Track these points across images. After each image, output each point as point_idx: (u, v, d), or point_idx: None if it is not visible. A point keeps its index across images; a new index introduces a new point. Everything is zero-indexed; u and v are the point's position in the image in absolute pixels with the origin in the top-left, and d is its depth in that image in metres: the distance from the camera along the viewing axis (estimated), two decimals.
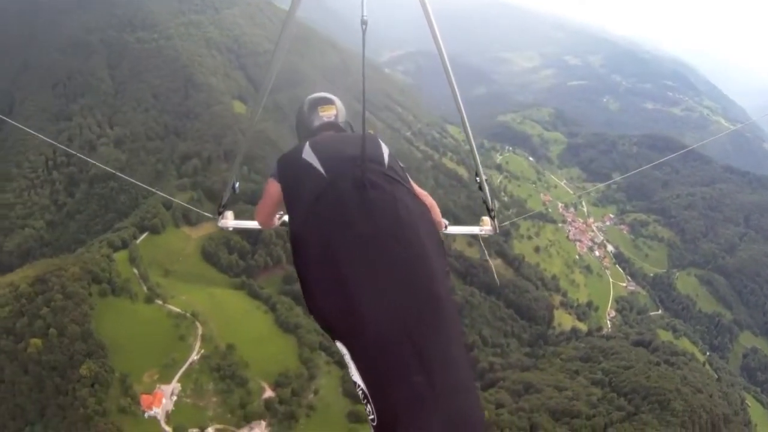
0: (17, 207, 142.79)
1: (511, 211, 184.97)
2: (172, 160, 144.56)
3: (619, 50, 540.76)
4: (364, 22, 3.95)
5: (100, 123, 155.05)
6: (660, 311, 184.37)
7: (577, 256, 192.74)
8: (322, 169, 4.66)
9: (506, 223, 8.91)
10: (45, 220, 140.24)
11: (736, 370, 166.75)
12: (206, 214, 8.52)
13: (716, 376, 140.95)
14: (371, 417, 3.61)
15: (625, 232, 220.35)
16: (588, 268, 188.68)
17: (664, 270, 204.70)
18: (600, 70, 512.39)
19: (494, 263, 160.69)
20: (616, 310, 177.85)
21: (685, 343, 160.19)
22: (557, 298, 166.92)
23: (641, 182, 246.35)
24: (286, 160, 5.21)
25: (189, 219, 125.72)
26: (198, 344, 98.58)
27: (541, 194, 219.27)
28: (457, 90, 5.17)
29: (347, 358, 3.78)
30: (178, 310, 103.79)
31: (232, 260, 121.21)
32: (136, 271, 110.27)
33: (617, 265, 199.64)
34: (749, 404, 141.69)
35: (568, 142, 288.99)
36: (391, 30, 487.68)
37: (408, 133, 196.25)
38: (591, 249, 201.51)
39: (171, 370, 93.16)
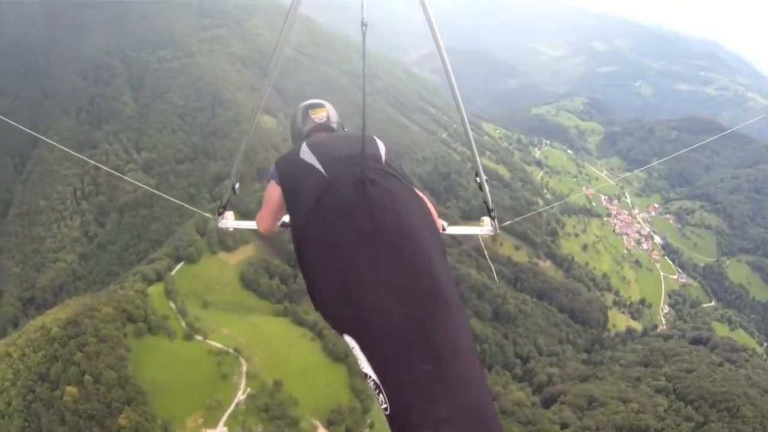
0: (47, 241, 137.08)
1: (554, 208, 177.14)
2: (204, 183, 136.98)
3: (645, 32, 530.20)
4: (364, 24, 3.99)
5: (126, 148, 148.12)
6: (713, 302, 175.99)
7: (625, 251, 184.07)
8: (322, 169, 4.62)
9: (506, 223, 8.04)
10: (77, 253, 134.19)
11: None
12: (206, 214, 8.21)
13: None
14: (384, 406, 3.59)
15: (671, 221, 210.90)
16: (637, 263, 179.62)
17: (714, 259, 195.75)
18: (629, 54, 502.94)
19: (544, 265, 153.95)
20: (669, 305, 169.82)
21: (741, 336, 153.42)
22: (610, 298, 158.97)
23: (683, 168, 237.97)
24: (284, 162, 5.14)
25: (226, 245, 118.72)
26: (243, 382, 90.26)
27: (583, 187, 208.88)
28: (456, 89, 5.02)
29: (356, 350, 3.78)
30: (219, 345, 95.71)
31: (273, 285, 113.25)
32: (172, 305, 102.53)
33: (666, 257, 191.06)
34: None
35: (605, 131, 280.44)
36: (416, 28, 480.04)
37: (444, 135, 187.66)
38: (638, 242, 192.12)
39: (216, 413, 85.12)
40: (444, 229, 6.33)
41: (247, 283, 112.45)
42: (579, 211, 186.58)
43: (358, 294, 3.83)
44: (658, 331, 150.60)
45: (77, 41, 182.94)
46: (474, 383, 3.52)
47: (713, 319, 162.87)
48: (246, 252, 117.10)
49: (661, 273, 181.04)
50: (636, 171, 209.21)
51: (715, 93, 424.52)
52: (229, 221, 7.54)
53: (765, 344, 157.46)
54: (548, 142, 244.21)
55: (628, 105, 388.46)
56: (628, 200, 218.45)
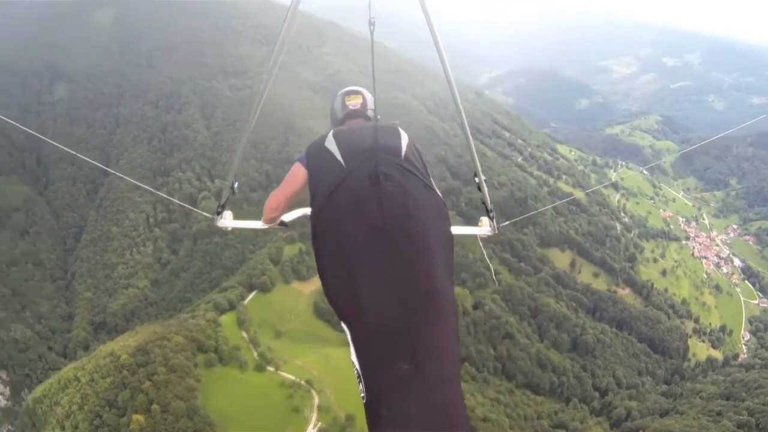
0: (119, 267, 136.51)
1: (633, 233, 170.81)
2: None
3: (716, 45, 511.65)
4: (371, 23, 4.16)
5: (199, 176, 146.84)
6: None
7: (704, 275, 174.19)
8: (341, 160, 4.69)
9: (505, 223, 7.60)
10: (149, 279, 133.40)
11: None
12: (205, 214, 8.00)
13: None
14: (362, 395, 3.91)
15: (751, 243, 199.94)
16: (717, 288, 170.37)
17: None
18: (699, 69, 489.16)
19: (623, 293, 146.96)
20: (750, 332, 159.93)
21: None
22: (689, 325, 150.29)
23: (762, 186, 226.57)
24: (312, 148, 5.21)
25: (299, 273, 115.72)
26: (315, 416, 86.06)
27: (661, 210, 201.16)
28: (457, 94, 4.99)
29: (348, 338, 4.07)
30: (292, 377, 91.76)
31: None
32: (245, 335, 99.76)
33: (746, 281, 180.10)
34: None
35: (680, 149, 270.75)
36: (487, 51, 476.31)
37: (519, 159, 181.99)
38: (718, 265, 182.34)
39: None
40: None
41: (321, 313, 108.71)
42: (657, 234, 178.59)
43: (357, 286, 4.05)
44: (740, 360, 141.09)
45: (148, 71, 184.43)
46: (447, 385, 3.84)
47: None
48: (320, 281, 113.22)
49: (742, 298, 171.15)
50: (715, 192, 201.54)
51: None
52: (228, 221, 7.39)
53: None
54: (623, 163, 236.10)
55: (702, 120, 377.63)
56: (706, 222, 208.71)
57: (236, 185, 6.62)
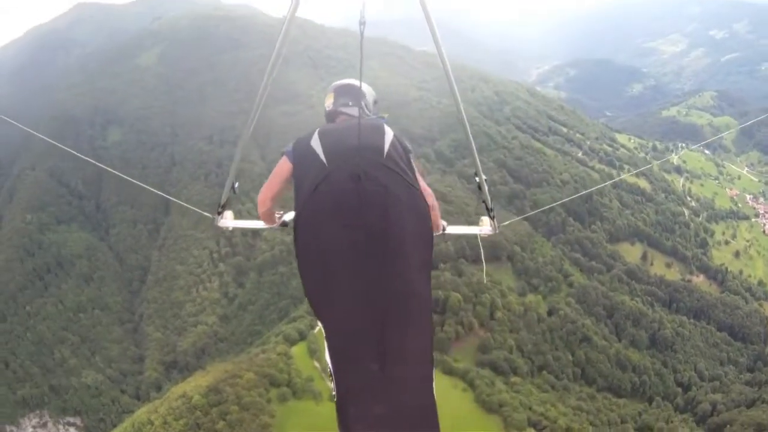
0: (187, 305, 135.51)
1: (701, 217, 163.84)
2: None
3: (762, 10, 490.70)
4: (362, 23, 4.03)
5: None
6: None
7: None
8: (324, 159, 4.65)
9: (506, 222, 7.54)
10: (217, 315, 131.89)
11: None
12: (205, 213, 7.66)
13: None
14: (333, 394, 4.09)
15: None
16: None
17: None
18: (749, 37, 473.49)
19: (698, 281, 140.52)
20: None
21: None
22: None
23: None
24: (299, 145, 5.10)
25: None
26: None
27: (727, 189, 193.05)
28: (456, 90, 4.75)
29: (324, 337, 4.20)
30: None
31: None
32: (317, 364, 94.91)
33: None
34: None
35: (739, 123, 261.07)
36: (533, 47, 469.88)
37: (579, 154, 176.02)
38: None
39: None
40: (444, 229, 6.22)
41: None
42: (726, 215, 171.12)
43: (333, 285, 4.10)
44: None
45: (199, 107, 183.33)
46: (417, 388, 3.99)
47: None
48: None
49: None
50: None
51: None
52: (228, 221, 7.26)
53: None
54: (684, 145, 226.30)
55: (758, 91, 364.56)
56: None
57: (237, 185, 6.32)
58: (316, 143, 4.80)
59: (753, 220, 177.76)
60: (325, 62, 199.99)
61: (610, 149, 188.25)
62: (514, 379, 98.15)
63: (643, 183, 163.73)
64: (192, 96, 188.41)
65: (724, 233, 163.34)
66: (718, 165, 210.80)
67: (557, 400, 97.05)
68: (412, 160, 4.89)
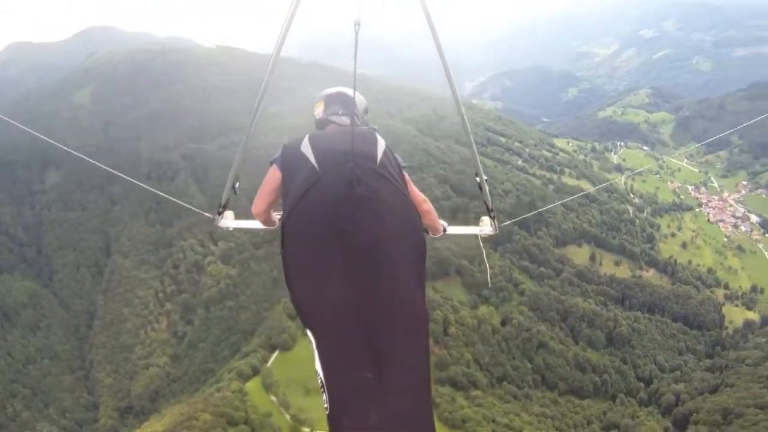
0: (137, 347, 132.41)
1: (645, 212, 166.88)
2: None
3: (688, 7, 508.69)
4: (357, 23, 3.98)
5: (202, 241, 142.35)
6: None
7: (724, 239, 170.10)
8: (315, 164, 4.57)
9: (506, 223, 7.57)
10: (168, 355, 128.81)
11: None
12: (206, 214, 7.75)
13: None
14: (325, 405, 3.90)
15: (764, 195, 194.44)
16: (740, 248, 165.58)
17: None
18: (678, 34, 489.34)
19: (648, 275, 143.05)
20: None
21: None
22: (720, 293, 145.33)
23: (763, 136, 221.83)
24: (288, 149, 5.02)
25: None
26: None
27: (668, 182, 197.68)
28: (458, 92, 4.95)
29: (313, 346, 4.02)
30: None
31: None
32: (274, 399, 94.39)
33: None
34: None
35: (675, 118, 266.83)
36: (466, 60, 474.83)
37: (519, 162, 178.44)
38: (736, 226, 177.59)
39: None
40: (445, 230, 6.09)
41: None
42: (670, 208, 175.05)
43: (322, 291, 3.97)
44: None
45: (135, 143, 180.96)
46: (413, 394, 3.83)
47: None
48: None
49: (766, 253, 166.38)
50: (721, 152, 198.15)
51: None
52: (229, 221, 7.28)
53: None
54: (622, 143, 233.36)
55: (691, 85, 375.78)
56: (715, 184, 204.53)
57: (237, 185, 6.20)
58: (306, 148, 4.77)
59: (697, 210, 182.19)
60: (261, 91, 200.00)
61: (549, 154, 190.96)
62: (474, 392, 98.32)
63: (585, 185, 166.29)
64: (128, 132, 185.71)
65: (669, 226, 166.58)
66: (657, 159, 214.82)
67: (520, 409, 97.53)
68: (404, 173, 4.89)
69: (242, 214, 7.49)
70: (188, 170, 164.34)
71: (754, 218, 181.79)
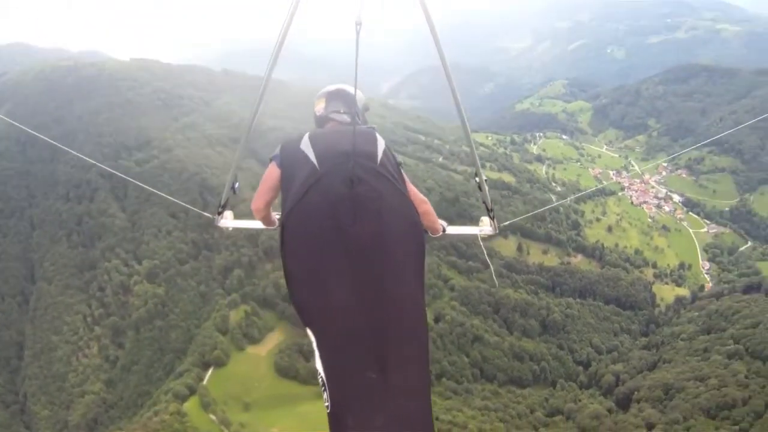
0: (70, 375, 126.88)
1: (570, 198, 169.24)
2: (214, 278, 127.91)
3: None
4: (358, 23, 4.06)
5: (126, 261, 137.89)
6: (749, 243, 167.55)
7: (649, 220, 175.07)
8: (315, 162, 4.56)
9: (506, 222, 7.67)
10: (102, 381, 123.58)
11: None
12: (206, 214, 7.87)
13: None
14: (326, 404, 3.88)
15: (684, 175, 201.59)
16: (665, 228, 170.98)
17: (737, 199, 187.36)
18: (592, 24, 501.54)
19: (576, 261, 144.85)
20: (708, 260, 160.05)
21: None
22: (649, 272, 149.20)
23: (680, 119, 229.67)
24: (287, 147, 5.00)
25: (251, 337, 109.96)
26: None
27: (589, 169, 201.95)
28: (457, 91, 5.16)
29: (314, 345, 4.00)
30: None
31: (310, 367, 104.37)
32: (213, 417, 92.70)
33: (690, 213, 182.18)
34: None
35: (592, 106, 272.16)
36: (381, 61, 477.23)
37: (440, 159, 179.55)
38: (659, 206, 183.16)
39: None
40: (444, 230, 6.12)
41: (284, 371, 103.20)
42: (593, 194, 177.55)
43: (324, 290, 3.95)
44: (707, 290, 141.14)
45: (52, 164, 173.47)
46: (416, 395, 3.82)
47: (756, 260, 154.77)
48: (274, 339, 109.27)
49: (691, 230, 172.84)
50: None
51: (686, 36, 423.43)
52: (229, 221, 7.33)
53: None
54: (541, 134, 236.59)
55: (606, 73, 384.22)
56: (636, 168, 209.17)
57: (237, 185, 6.32)
58: (306, 146, 4.70)
59: (620, 194, 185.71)
60: (176, 102, 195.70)
61: (469, 150, 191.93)
62: None
63: (507, 177, 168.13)
64: (44, 154, 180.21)
65: (593, 211, 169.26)
66: (577, 148, 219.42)
67: (462, 404, 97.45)
68: (402, 172, 4.82)
69: (239, 214, 7.63)
70: (107, 188, 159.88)
71: (676, 198, 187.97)
